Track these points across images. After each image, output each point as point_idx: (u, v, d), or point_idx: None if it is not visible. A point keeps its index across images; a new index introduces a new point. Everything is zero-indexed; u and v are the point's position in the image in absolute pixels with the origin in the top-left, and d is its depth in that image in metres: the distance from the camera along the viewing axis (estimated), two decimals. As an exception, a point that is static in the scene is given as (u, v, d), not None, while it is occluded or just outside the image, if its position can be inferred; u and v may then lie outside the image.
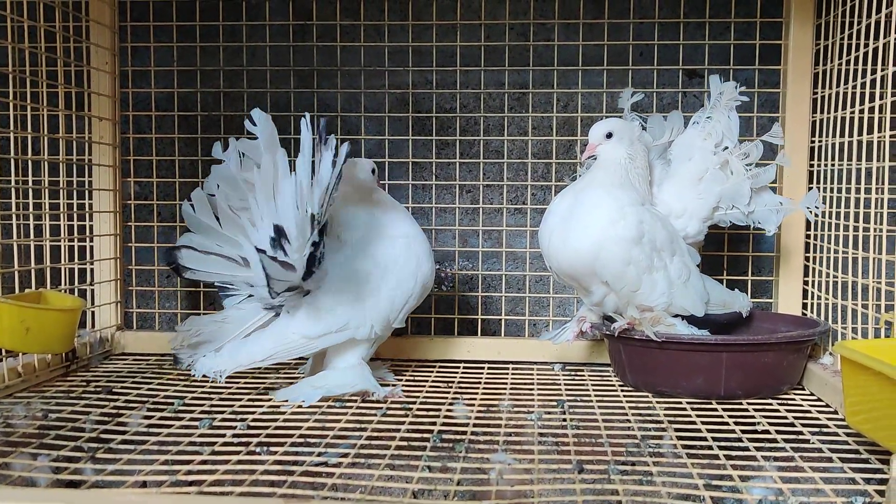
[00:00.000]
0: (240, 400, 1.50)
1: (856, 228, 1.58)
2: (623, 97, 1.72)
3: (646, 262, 1.53)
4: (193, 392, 1.56)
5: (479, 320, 1.99)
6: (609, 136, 1.58)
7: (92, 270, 1.94)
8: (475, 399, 1.53)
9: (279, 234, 1.42)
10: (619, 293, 1.55)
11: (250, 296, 1.55)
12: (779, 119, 1.84)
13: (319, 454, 1.19)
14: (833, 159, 1.69)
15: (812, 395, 1.56)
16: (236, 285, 1.56)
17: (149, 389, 1.58)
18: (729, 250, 1.92)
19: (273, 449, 1.21)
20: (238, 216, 1.52)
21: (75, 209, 1.91)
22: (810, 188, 1.77)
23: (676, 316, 1.59)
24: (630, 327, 1.55)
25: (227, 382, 1.62)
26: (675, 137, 1.69)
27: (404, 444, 1.26)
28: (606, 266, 1.52)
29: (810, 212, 1.64)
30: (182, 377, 1.68)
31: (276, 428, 1.32)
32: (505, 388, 1.62)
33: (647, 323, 1.54)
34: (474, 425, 1.36)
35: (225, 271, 1.53)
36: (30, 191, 1.76)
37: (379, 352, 1.85)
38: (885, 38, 1.42)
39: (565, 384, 1.66)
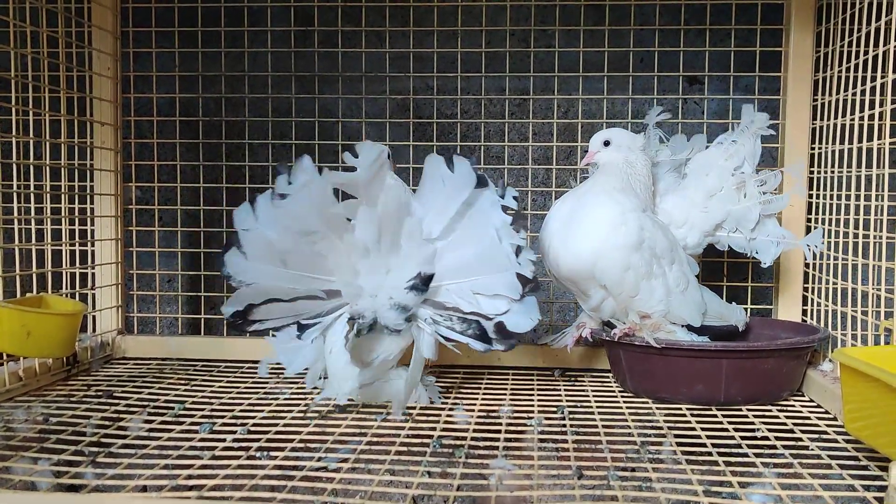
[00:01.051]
0: (240, 405, 1.50)
1: (856, 235, 1.58)
2: (650, 114, 1.72)
3: (645, 269, 1.53)
4: (194, 396, 1.56)
5: (480, 326, 1.98)
6: (607, 143, 1.59)
7: (93, 275, 1.94)
8: (475, 404, 1.53)
9: (424, 281, 1.39)
10: (618, 298, 1.56)
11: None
12: (779, 126, 1.85)
13: (319, 459, 1.19)
14: (833, 166, 1.69)
15: (812, 401, 1.57)
16: (320, 319, 1.44)
17: (149, 394, 1.58)
18: (729, 256, 1.92)
19: (273, 454, 1.21)
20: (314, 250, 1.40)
21: (77, 214, 1.91)
22: (809, 222, 1.79)
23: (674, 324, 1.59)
24: (630, 332, 1.55)
25: (227, 386, 1.63)
26: (694, 154, 1.71)
27: (404, 449, 1.26)
28: (605, 271, 1.53)
29: (810, 250, 1.65)
30: (183, 381, 1.68)
31: (277, 433, 1.32)
32: (505, 394, 1.62)
33: (648, 329, 1.54)
34: (474, 431, 1.36)
35: (305, 310, 1.43)
36: (31, 195, 1.76)
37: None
38: (885, 45, 1.42)
39: (565, 390, 1.66)
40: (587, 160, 1.62)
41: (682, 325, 1.59)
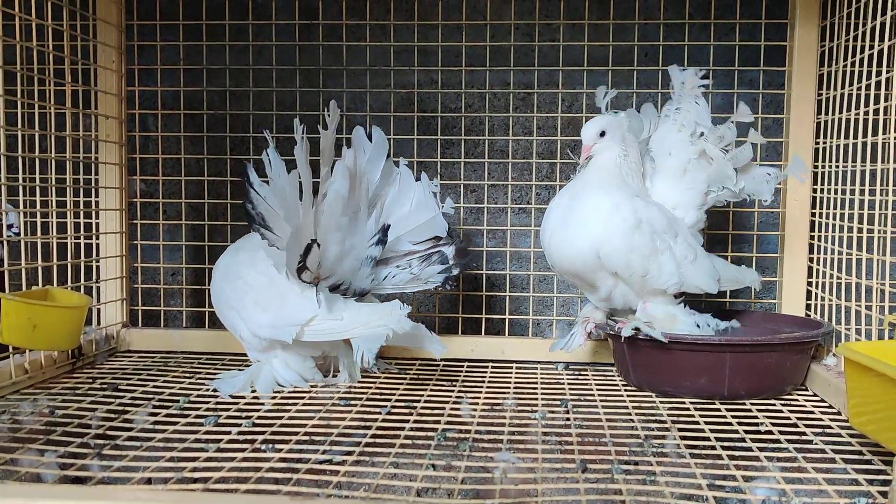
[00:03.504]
0: (245, 397, 1.50)
1: (860, 230, 1.58)
2: (598, 96, 1.70)
3: (649, 246, 1.54)
4: (199, 389, 1.56)
5: (483, 319, 1.99)
6: (602, 134, 1.59)
7: (98, 268, 1.94)
8: (479, 398, 1.53)
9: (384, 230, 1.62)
10: (629, 282, 1.57)
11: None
12: (783, 120, 1.85)
13: (324, 452, 1.20)
14: (838, 161, 1.69)
15: (815, 395, 1.57)
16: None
17: (154, 386, 1.58)
18: (733, 251, 1.93)
19: (278, 446, 1.21)
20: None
21: (82, 207, 1.91)
22: (814, 217, 1.79)
23: (680, 303, 1.63)
24: (636, 333, 1.55)
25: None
26: (652, 133, 1.70)
27: (409, 442, 1.26)
28: (611, 256, 1.54)
29: (800, 176, 1.67)
30: (188, 374, 1.69)
31: (282, 425, 1.33)
32: (509, 387, 1.63)
33: (648, 325, 1.54)
34: (478, 424, 1.36)
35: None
36: (37, 188, 1.76)
37: (384, 350, 1.86)
38: (890, 40, 1.42)
39: (569, 383, 1.66)
40: (585, 155, 1.61)
41: (686, 305, 1.63)
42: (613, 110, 1.70)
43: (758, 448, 1.24)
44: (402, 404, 1.48)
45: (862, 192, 1.58)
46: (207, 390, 1.55)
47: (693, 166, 1.64)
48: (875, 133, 1.52)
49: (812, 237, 1.82)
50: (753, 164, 1.67)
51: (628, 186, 1.59)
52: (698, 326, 1.60)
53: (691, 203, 1.65)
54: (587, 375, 1.74)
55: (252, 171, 1.47)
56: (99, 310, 1.93)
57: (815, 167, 1.81)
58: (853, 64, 1.62)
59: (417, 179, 1.69)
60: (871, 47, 1.52)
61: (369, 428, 1.32)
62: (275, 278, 1.52)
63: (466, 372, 1.76)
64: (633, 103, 1.94)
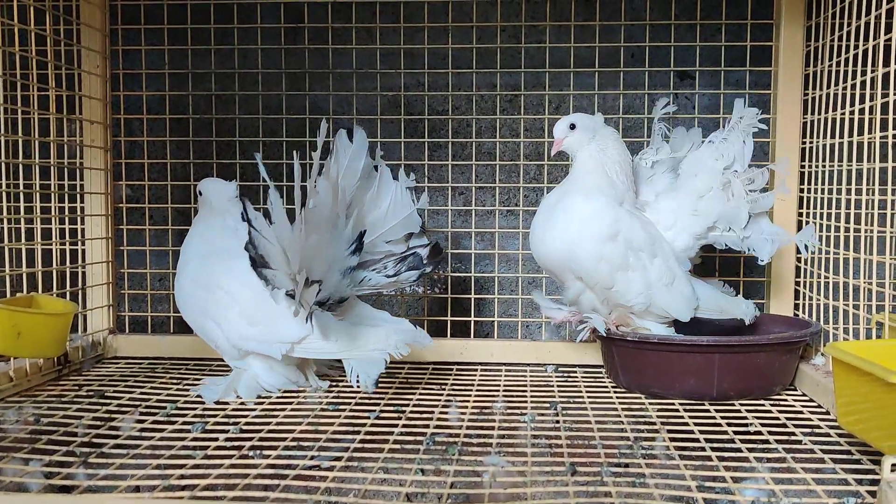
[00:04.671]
0: (232, 403, 1.50)
1: (847, 229, 1.58)
2: (656, 107, 1.71)
3: (620, 260, 1.54)
4: (186, 395, 1.55)
5: (472, 322, 1.99)
6: (572, 126, 1.59)
7: (84, 274, 1.93)
8: (468, 401, 1.53)
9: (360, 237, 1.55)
10: (594, 290, 1.57)
11: None
12: (770, 120, 1.85)
13: (312, 457, 1.19)
14: (824, 160, 1.69)
15: (804, 395, 1.57)
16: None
17: (141, 393, 1.57)
18: (720, 252, 1.92)
19: (266, 452, 1.21)
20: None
21: (67, 213, 1.90)
22: (801, 217, 1.79)
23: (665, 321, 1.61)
24: (611, 328, 1.57)
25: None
26: (691, 152, 1.69)
27: (397, 446, 1.26)
28: (579, 261, 1.54)
29: (805, 247, 1.63)
30: (175, 381, 1.68)
31: (269, 431, 1.32)
32: (498, 390, 1.62)
33: (613, 322, 1.58)
34: (468, 427, 1.36)
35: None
36: (21, 194, 1.75)
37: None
38: (875, 39, 1.43)
39: (558, 386, 1.66)
40: (556, 148, 1.61)
41: (664, 322, 1.61)
42: (666, 125, 1.73)
43: (747, 449, 1.24)
44: (391, 408, 1.47)
45: (849, 192, 1.58)
46: (195, 396, 1.54)
47: (713, 195, 1.61)
48: (861, 132, 1.53)
49: (800, 237, 1.83)
50: (766, 218, 1.65)
51: (613, 187, 1.58)
52: None
53: (691, 229, 1.62)
54: (577, 377, 1.74)
55: (251, 209, 1.43)
56: (85, 316, 1.92)
57: (802, 167, 1.82)
58: (839, 63, 1.62)
59: (395, 178, 1.68)
60: (857, 47, 1.53)
61: (358, 433, 1.32)
62: (260, 291, 1.50)
63: (455, 375, 1.76)
64: (620, 105, 1.95)
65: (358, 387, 1.46)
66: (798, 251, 1.82)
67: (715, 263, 1.91)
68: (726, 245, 1.66)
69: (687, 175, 1.65)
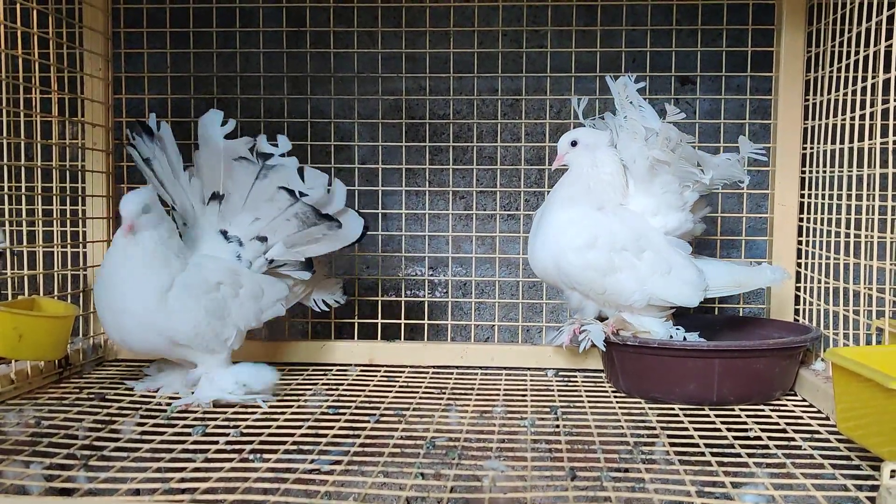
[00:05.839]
0: (233, 406, 1.50)
1: (847, 235, 1.59)
2: (574, 104, 1.69)
3: (605, 265, 1.55)
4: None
5: (473, 326, 1.99)
6: (574, 143, 1.62)
7: (85, 276, 1.93)
8: (468, 405, 1.53)
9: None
10: (590, 297, 1.60)
11: None
12: (771, 125, 1.85)
13: (312, 461, 1.19)
14: (825, 166, 1.69)
15: (804, 401, 1.57)
16: None
17: (142, 396, 1.57)
18: (721, 256, 1.93)
19: (266, 456, 1.21)
20: None
21: (68, 215, 1.91)
22: (801, 222, 1.80)
23: (674, 319, 1.62)
24: (613, 333, 1.58)
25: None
26: (617, 143, 1.65)
27: (397, 450, 1.26)
28: (566, 272, 1.58)
29: (754, 155, 1.61)
30: (175, 384, 1.68)
31: (270, 435, 1.32)
32: (498, 395, 1.62)
33: (613, 328, 1.58)
34: (467, 432, 1.36)
35: None
36: (23, 197, 1.76)
37: (373, 358, 1.87)
38: (876, 45, 1.43)
39: (558, 390, 1.66)
40: (557, 163, 1.65)
41: (660, 318, 1.61)
42: (591, 119, 1.70)
43: (747, 454, 1.24)
44: (391, 412, 1.48)
45: (849, 197, 1.58)
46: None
47: (658, 170, 1.59)
48: (862, 138, 1.53)
49: (800, 242, 1.83)
50: (711, 157, 1.62)
51: (593, 198, 1.59)
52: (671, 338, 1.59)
53: (670, 205, 1.61)
54: (577, 382, 1.74)
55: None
56: (86, 319, 1.92)
57: (803, 172, 1.82)
58: (839, 69, 1.63)
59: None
60: (857, 53, 1.53)
61: (358, 436, 1.32)
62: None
63: (456, 379, 1.76)
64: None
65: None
66: (799, 255, 1.83)
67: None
68: (714, 190, 1.70)
69: (629, 164, 1.62)
